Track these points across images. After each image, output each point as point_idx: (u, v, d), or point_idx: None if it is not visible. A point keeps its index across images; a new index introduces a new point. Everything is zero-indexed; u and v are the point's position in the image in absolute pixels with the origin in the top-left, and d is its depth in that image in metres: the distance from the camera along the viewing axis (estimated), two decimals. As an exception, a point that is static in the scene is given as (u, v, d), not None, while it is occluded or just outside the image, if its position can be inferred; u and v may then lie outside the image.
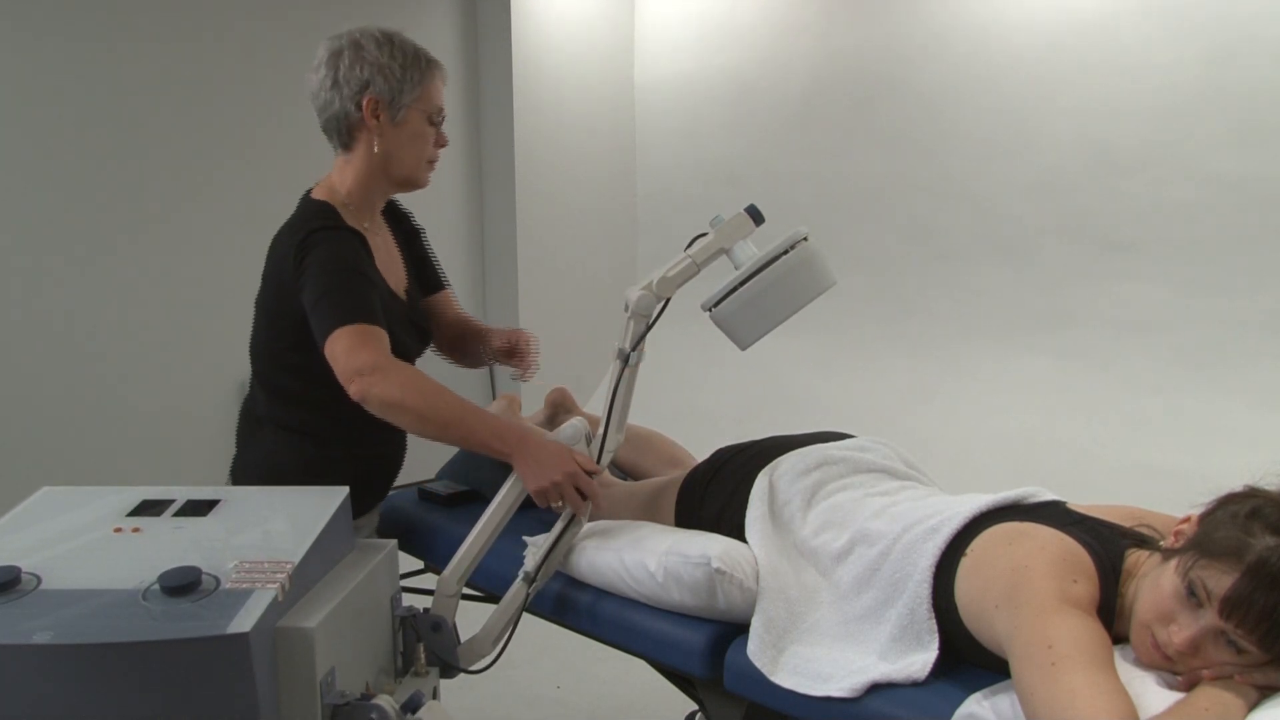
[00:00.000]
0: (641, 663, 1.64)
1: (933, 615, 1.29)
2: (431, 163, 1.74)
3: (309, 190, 1.75)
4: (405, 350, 1.73)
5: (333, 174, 1.73)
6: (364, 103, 1.63)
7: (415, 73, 1.66)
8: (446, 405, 1.52)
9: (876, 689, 1.28)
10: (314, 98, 1.68)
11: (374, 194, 1.73)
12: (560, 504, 1.54)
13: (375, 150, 1.66)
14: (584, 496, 1.53)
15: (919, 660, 1.27)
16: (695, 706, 1.75)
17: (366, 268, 1.65)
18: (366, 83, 1.63)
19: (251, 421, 1.80)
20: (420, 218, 2.00)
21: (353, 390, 1.51)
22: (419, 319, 1.83)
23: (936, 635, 1.28)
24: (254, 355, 1.78)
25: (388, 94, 1.64)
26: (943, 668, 1.27)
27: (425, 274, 1.95)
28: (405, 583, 1.49)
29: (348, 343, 1.51)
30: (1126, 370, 3.68)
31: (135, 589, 1.11)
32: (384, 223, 1.82)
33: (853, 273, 4.21)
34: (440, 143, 1.73)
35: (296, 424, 1.73)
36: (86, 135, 3.69)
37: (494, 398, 4.58)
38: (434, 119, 1.70)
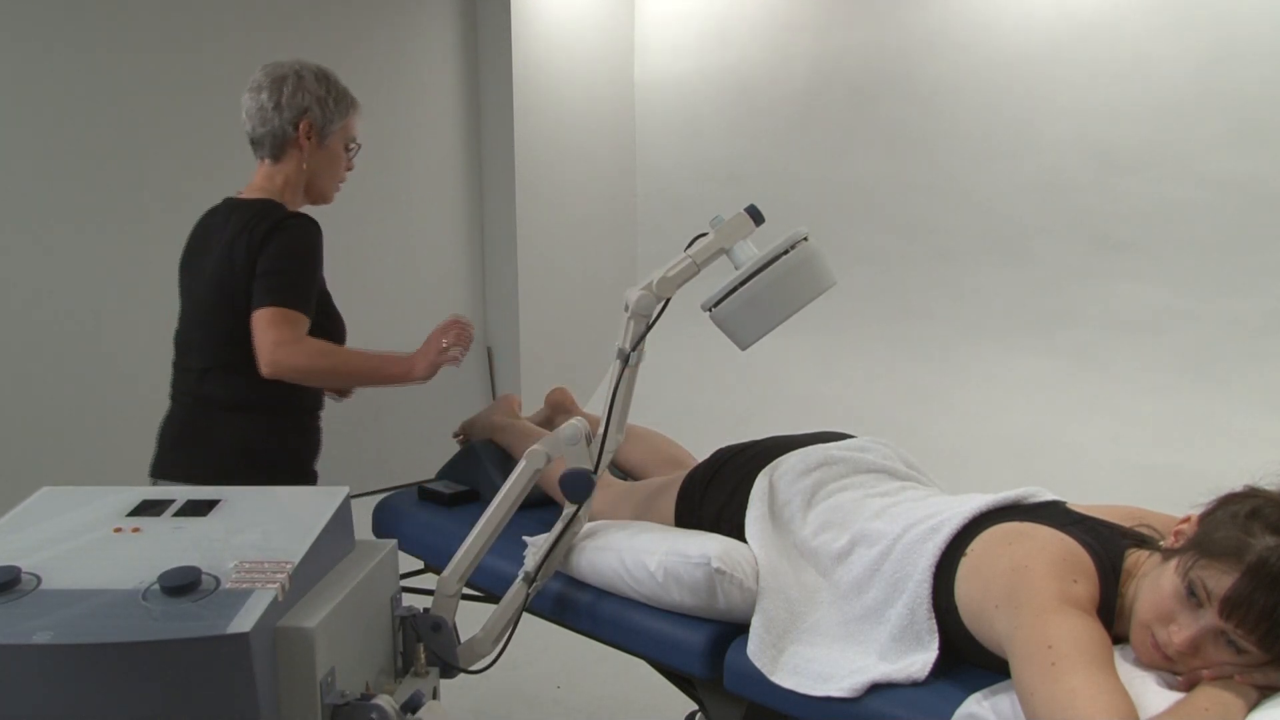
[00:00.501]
0: (641, 663, 1.64)
1: (933, 615, 1.29)
2: (340, 183, 2.04)
3: (233, 195, 1.97)
4: (335, 325, 2.00)
5: (258, 180, 1.96)
6: (300, 125, 1.92)
7: (342, 106, 1.97)
8: (348, 360, 1.86)
9: (876, 689, 1.28)
10: (250, 115, 1.94)
11: (294, 202, 1.97)
12: (454, 354, 1.87)
13: (304, 167, 1.95)
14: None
15: (919, 660, 1.27)
16: (695, 706, 1.75)
17: (319, 259, 1.89)
18: (305, 109, 1.92)
19: (206, 416, 1.91)
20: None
21: (264, 367, 1.77)
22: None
23: (937, 635, 1.28)
24: (214, 347, 1.90)
25: (320, 121, 1.94)
26: (943, 668, 1.27)
27: None
28: (405, 583, 1.49)
29: (268, 321, 1.78)
30: (1126, 370, 3.68)
31: (135, 589, 1.11)
32: None
33: (853, 273, 4.21)
34: (348, 167, 2.04)
35: (272, 402, 1.88)
36: (86, 136, 3.69)
37: (494, 397, 4.59)
38: (349, 147, 2.01)
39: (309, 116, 1.92)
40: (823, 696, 1.30)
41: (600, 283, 5.04)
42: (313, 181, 1.98)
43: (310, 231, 1.86)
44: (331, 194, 2.03)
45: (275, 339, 1.76)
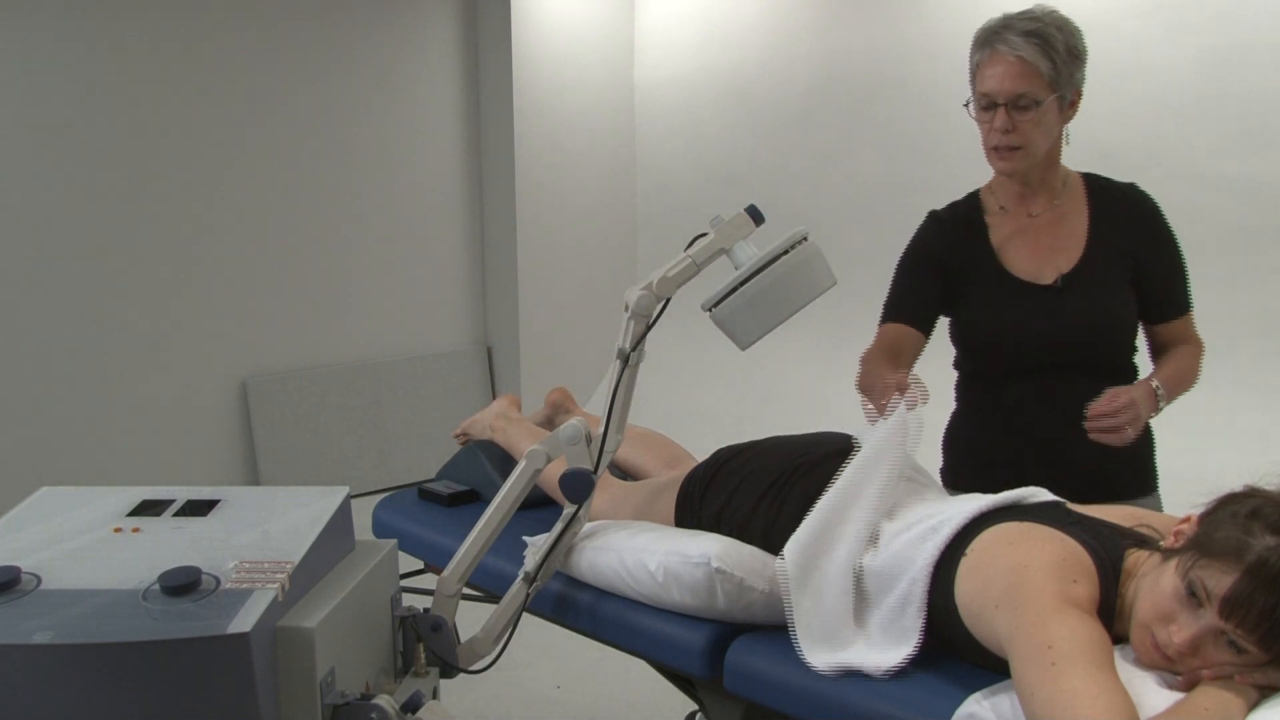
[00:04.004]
0: (641, 663, 1.64)
1: (922, 615, 1.29)
2: (996, 149, 1.73)
3: None
4: (1016, 325, 1.82)
5: None
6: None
7: (972, 66, 1.73)
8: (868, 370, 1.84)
9: (875, 687, 1.28)
10: None
11: (994, 184, 1.88)
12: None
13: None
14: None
15: (898, 655, 1.29)
16: (695, 706, 1.75)
17: (906, 257, 2.00)
18: None
19: None
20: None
21: None
22: (1066, 300, 1.79)
23: (919, 634, 1.29)
24: None
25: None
26: (943, 668, 1.27)
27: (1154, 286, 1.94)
28: (405, 583, 1.49)
29: None
30: (1126, 370, 3.68)
31: (135, 589, 1.11)
32: (1064, 201, 1.86)
33: (853, 273, 4.20)
34: (994, 126, 1.71)
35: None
36: (87, 136, 3.70)
37: (494, 397, 4.59)
38: (980, 106, 1.72)
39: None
40: (806, 665, 1.33)
41: (600, 283, 5.04)
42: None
43: (915, 237, 1.99)
44: (993, 165, 1.79)
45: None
